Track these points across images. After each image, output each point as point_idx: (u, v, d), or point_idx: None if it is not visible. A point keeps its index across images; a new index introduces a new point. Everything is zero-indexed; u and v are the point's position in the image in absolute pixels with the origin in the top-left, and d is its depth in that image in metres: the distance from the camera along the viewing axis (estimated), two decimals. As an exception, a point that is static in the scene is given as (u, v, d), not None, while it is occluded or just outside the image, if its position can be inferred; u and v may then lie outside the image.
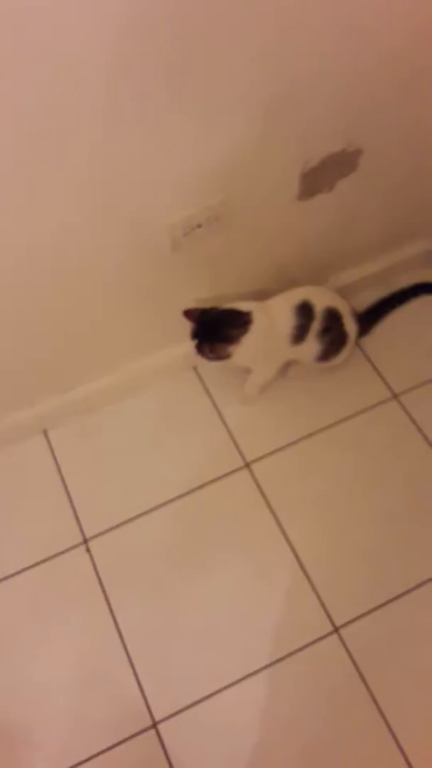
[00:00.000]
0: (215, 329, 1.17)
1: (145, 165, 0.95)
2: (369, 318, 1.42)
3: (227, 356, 1.20)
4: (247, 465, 1.32)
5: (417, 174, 1.26)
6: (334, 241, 1.32)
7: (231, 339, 1.17)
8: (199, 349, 1.19)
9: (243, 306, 1.19)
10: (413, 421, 1.34)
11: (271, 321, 1.21)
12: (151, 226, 1.05)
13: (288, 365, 1.38)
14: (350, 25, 0.91)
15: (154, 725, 1.10)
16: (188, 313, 1.19)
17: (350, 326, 1.29)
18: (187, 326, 1.29)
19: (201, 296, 1.27)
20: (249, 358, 1.27)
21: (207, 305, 1.20)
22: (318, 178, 1.14)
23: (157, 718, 1.10)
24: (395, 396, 1.38)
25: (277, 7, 0.83)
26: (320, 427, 1.35)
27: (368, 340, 1.43)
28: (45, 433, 1.39)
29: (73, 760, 1.08)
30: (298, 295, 1.23)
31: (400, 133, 1.14)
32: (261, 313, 1.19)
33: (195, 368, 1.44)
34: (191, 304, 1.22)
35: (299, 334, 1.23)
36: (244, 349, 1.19)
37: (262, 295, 1.27)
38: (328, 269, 1.42)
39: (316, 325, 1.23)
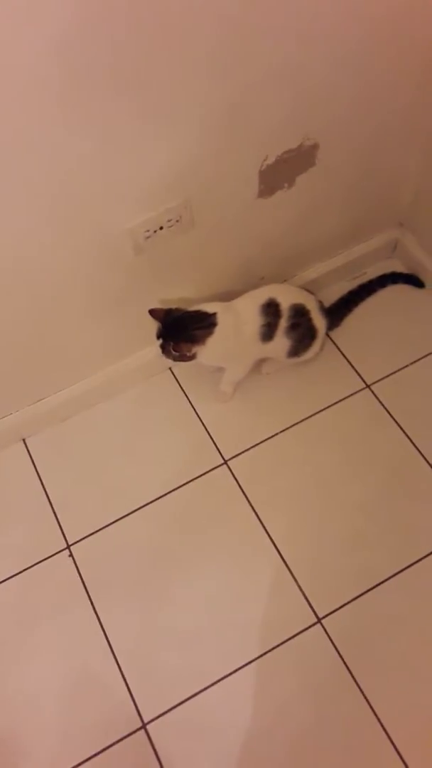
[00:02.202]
0: (180, 329, 1.18)
1: (101, 171, 0.95)
2: (338, 311, 1.43)
3: (191, 356, 1.21)
4: (226, 462, 1.33)
5: (375, 166, 1.27)
6: (298, 236, 1.33)
7: (195, 339, 1.18)
8: (164, 348, 1.20)
9: (209, 307, 1.20)
10: (386, 409, 1.36)
11: (238, 321, 1.22)
12: (111, 231, 1.05)
13: (261, 361, 1.39)
14: (298, 26, 0.91)
15: (144, 726, 1.11)
16: (153, 313, 1.20)
17: (318, 321, 1.31)
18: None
19: (169, 298, 1.28)
20: (219, 357, 1.28)
21: (173, 306, 1.21)
22: (277, 175, 1.15)
23: (146, 719, 1.11)
24: (368, 386, 1.39)
25: (222, 13, 0.84)
26: (296, 421, 1.37)
27: (339, 333, 1.45)
28: (24, 441, 1.40)
29: (64, 767, 1.08)
30: (263, 294, 1.25)
31: (354, 125, 1.15)
32: (227, 314, 1.20)
33: (170, 369, 1.45)
34: (158, 306, 1.23)
35: (268, 333, 1.24)
36: (212, 350, 1.20)
37: (230, 295, 1.28)
38: (295, 265, 1.43)
39: (283, 323, 1.24)
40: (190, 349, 1.19)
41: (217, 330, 1.18)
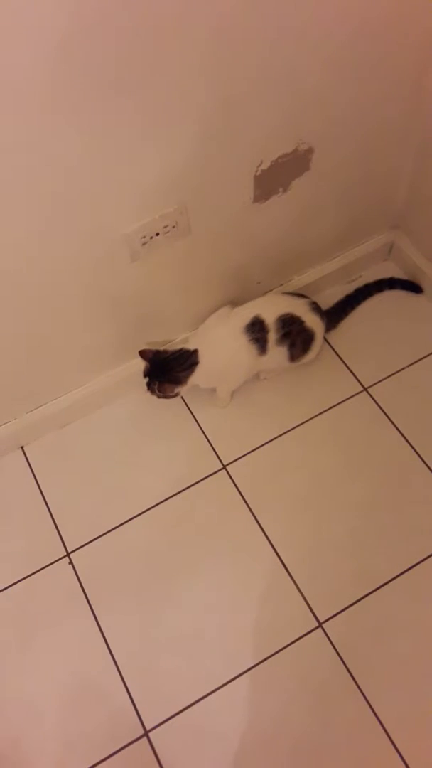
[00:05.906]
0: (163, 371, 1.24)
1: (97, 175, 0.95)
2: (335, 314, 1.43)
3: (175, 395, 1.27)
4: (224, 467, 1.33)
5: (370, 169, 1.28)
6: (294, 240, 1.34)
7: (178, 381, 1.25)
8: (149, 386, 1.26)
9: (192, 342, 1.26)
10: (384, 412, 1.36)
11: (226, 347, 1.26)
12: (107, 237, 1.05)
13: (259, 366, 1.40)
14: (293, 30, 0.92)
15: (146, 734, 1.10)
16: (143, 354, 1.26)
17: (314, 323, 1.30)
18: (157, 331, 1.32)
19: (167, 304, 1.28)
20: (213, 380, 1.31)
21: (160, 347, 1.28)
22: (272, 180, 1.15)
23: (148, 726, 1.11)
24: (365, 389, 1.39)
25: (217, 17, 0.84)
26: (294, 425, 1.36)
27: (335, 336, 1.45)
28: (22, 449, 1.39)
29: (67, 775, 1.08)
30: (247, 313, 1.26)
31: (349, 129, 1.15)
32: (211, 344, 1.26)
33: (168, 374, 1.45)
34: (157, 314, 1.25)
35: (260, 348, 1.26)
36: (202, 379, 1.26)
37: (227, 300, 1.29)
38: (291, 269, 1.43)
39: (273, 336, 1.25)
40: (173, 390, 1.26)
41: (200, 366, 1.24)
